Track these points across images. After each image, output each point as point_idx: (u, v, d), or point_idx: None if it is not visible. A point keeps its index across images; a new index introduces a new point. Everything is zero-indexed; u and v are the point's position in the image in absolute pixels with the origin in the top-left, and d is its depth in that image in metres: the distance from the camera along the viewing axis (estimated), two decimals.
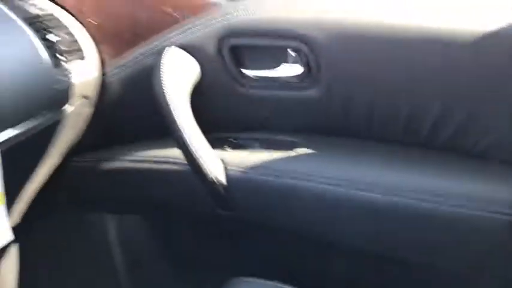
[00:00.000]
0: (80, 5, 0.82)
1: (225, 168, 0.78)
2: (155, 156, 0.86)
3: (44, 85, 0.69)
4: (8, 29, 0.68)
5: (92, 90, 0.81)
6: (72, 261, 1.05)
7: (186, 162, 0.75)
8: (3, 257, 0.82)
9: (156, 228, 1.04)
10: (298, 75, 0.76)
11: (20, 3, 0.75)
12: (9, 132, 0.65)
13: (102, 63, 0.83)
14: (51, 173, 0.84)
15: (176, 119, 0.71)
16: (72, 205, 1.02)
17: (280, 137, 0.82)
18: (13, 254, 0.85)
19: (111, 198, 0.98)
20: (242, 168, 0.78)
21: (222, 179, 0.77)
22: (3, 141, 0.63)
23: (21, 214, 0.80)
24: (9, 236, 0.66)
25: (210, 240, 0.99)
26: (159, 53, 0.76)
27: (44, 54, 0.69)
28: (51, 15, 0.77)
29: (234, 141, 0.82)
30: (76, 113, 0.79)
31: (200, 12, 0.79)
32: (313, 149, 0.78)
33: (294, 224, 0.81)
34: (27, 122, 0.67)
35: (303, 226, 0.81)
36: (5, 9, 0.69)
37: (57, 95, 0.72)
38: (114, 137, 0.92)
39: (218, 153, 0.79)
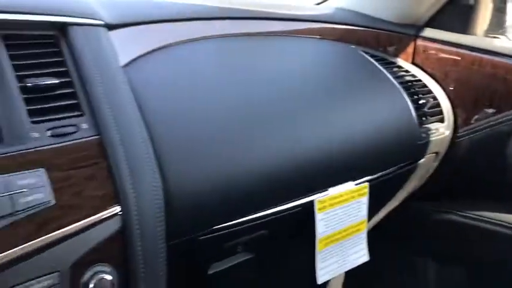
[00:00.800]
0: (444, 76, 0.94)
1: None
2: (487, 217, 0.89)
3: (409, 140, 0.81)
4: (389, 90, 0.84)
5: (442, 148, 0.91)
6: None
7: None
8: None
9: (474, 279, 1.05)
10: None
11: (397, 70, 0.91)
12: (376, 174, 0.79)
13: (455, 124, 0.93)
14: (388, 212, 0.97)
15: None
16: (397, 244, 1.13)
17: None
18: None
19: (434, 244, 1.04)
20: None
21: None
22: (370, 179, 0.78)
23: None
24: (366, 257, 0.80)
25: None
26: None
27: (414, 114, 0.82)
28: (421, 81, 0.91)
29: None
30: (425, 166, 0.90)
31: None
32: None
33: None
34: (391, 168, 0.81)
35: None
36: (388, 74, 0.85)
37: (416, 150, 0.84)
38: (448, 190, 0.99)
39: None
